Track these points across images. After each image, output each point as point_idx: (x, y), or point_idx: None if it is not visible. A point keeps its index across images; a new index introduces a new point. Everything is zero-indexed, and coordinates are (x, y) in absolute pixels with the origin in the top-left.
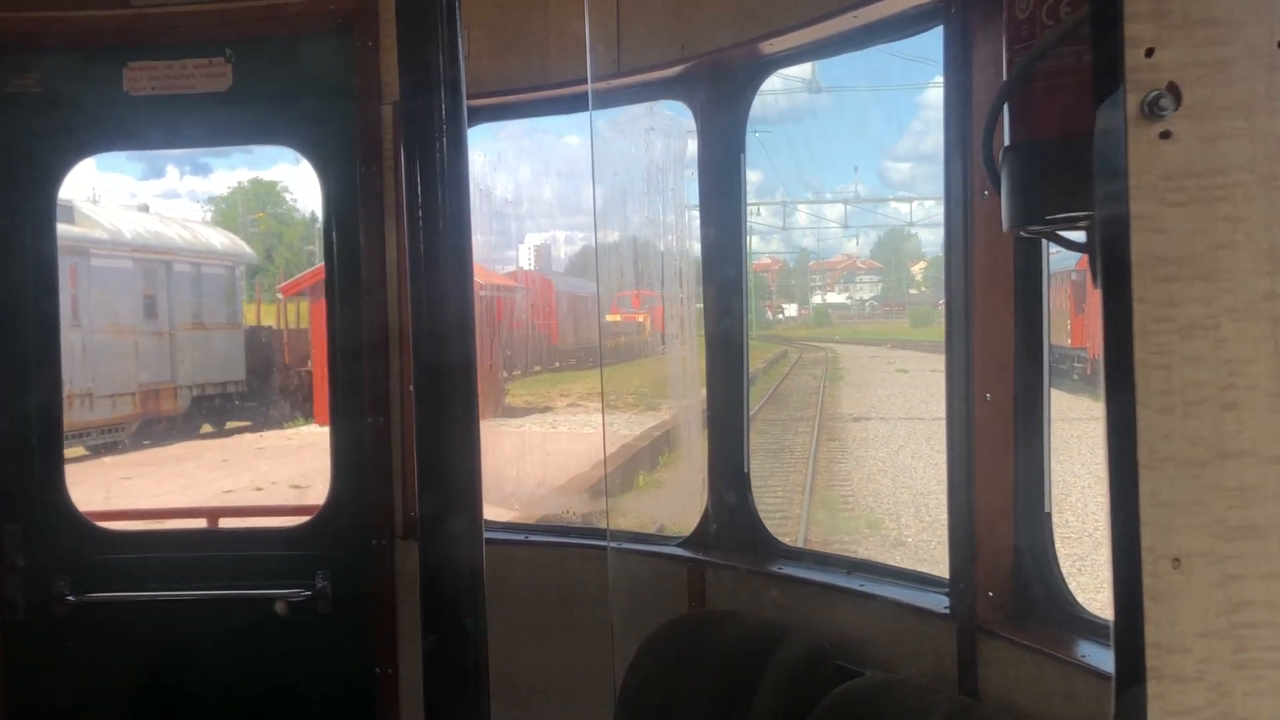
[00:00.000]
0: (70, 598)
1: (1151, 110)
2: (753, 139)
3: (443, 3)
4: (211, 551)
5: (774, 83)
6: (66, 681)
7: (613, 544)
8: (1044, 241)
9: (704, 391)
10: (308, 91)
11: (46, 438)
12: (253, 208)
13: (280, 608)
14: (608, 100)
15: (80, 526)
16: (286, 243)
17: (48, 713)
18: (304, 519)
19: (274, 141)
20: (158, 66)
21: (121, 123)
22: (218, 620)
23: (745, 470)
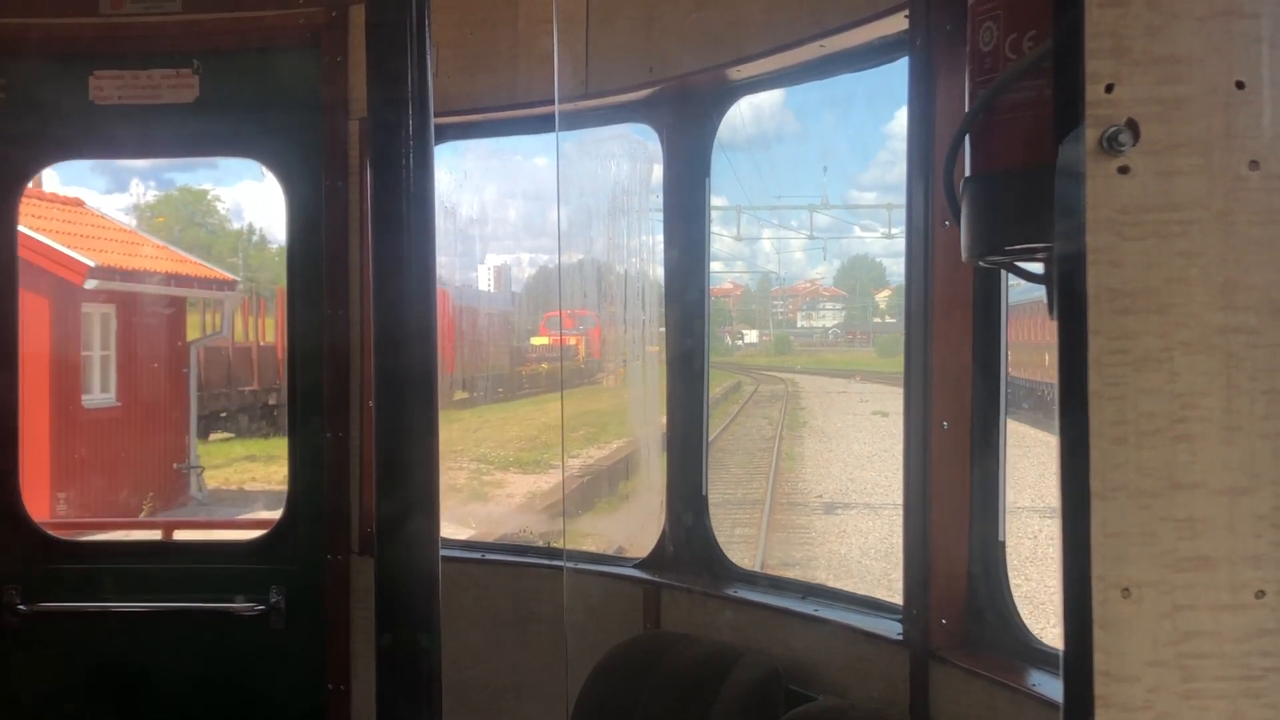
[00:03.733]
0: (21, 606)
1: (1110, 145)
2: (718, 163)
3: (413, 19)
4: (166, 563)
5: (742, 108)
6: (16, 692)
7: (569, 564)
8: (1003, 272)
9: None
10: (275, 105)
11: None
12: (183, 218)
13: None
14: (575, 122)
15: (33, 534)
16: (216, 255)
17: None
18: (260, 533)
19: (240, 154)
20: (125, 76)
21: (86, 131)
22: (171, 633)
23: (704, 493)
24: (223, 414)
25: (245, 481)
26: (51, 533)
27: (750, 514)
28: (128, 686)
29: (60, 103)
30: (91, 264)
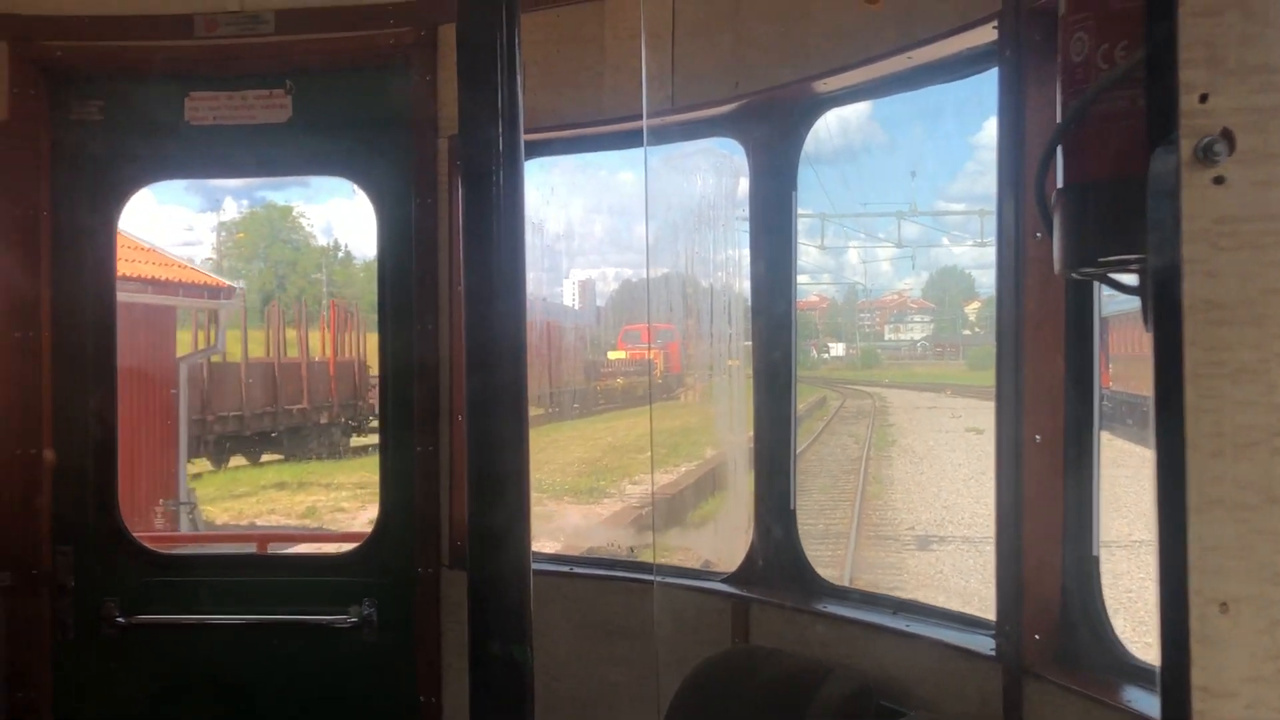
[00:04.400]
0: (120, 619)
1: (1205, 155)
2: (804, 175)
3: (503, 37)
4: (260, 576)
5: (828, 120)
6: (114, 702)
7: (658, 578)
8: (1095, 284)
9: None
10: (366, 123)
11: (101, 461)
12: (268, 235)
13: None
14: (661, 136)
15: (131, 548)
16: (300, 271)
17: None
18: (351, 545)
19: (331, 172)
20: (219, 97)
21: (182, 152)
22: (265, 644)
23: (791, 507)
24: (273, 434)
25: (261, 514)
26: (149, 546)
27: (834, 550)
28: (223, 697)
29: (157, 124)
30: None
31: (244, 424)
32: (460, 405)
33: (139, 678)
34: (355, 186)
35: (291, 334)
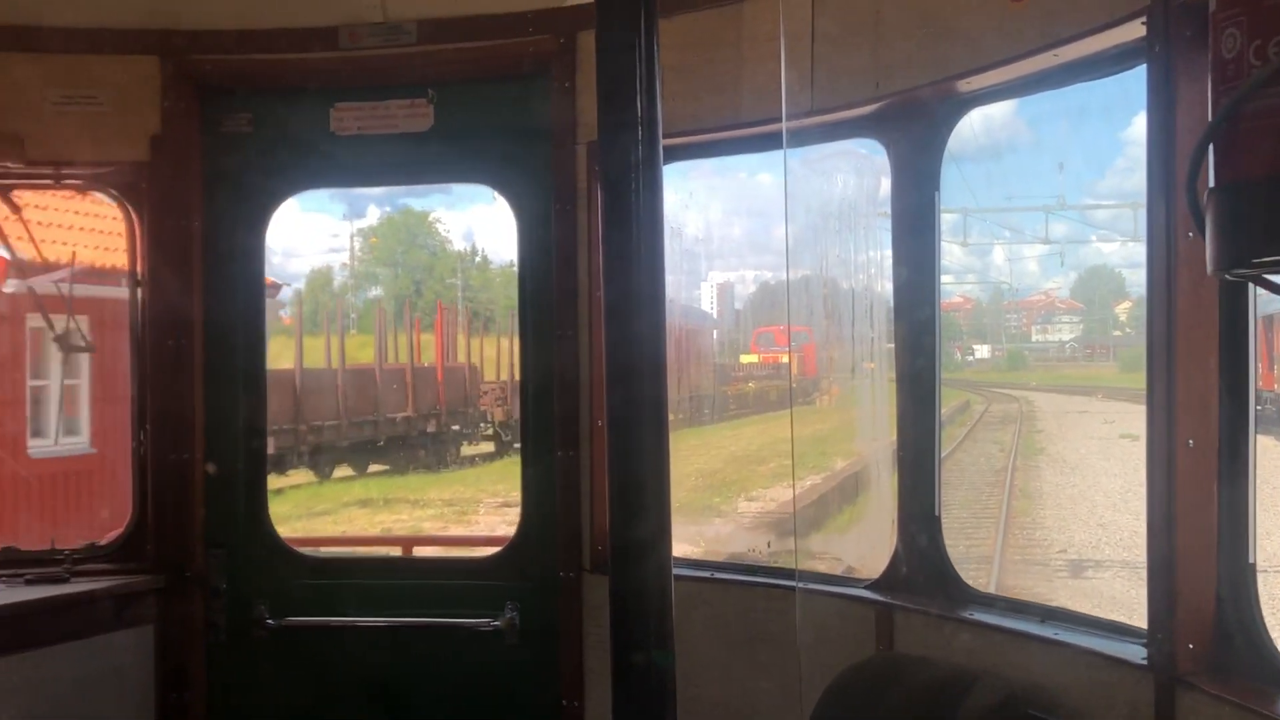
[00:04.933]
0: (270, 621)
1: None
2: (947, 173)
3: (641, 44)
4: (405, 579)
5: (972, 118)
6: (264, 702)
7: (801, 584)
8: (1250, 284)
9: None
10: (506, 131)
11: (251, 466)
12: (405, 240)
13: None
14: (801, 139)
15: (281, 552)
16: (437, 275)
17: None
18: (495, 550)
19: (471, 180)
20: (363, 107)
21: (327, 162)
22: (409, 647)
23: (936, 513)
24: (379, 442)
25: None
26: (298, 549)
27: (976, 575)
28: (370, 698)
29: (304, 135)
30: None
31: (341, 433)
32: (601, 411)
33: (288, 678)
34: (495, 193)
35: (408, 339)
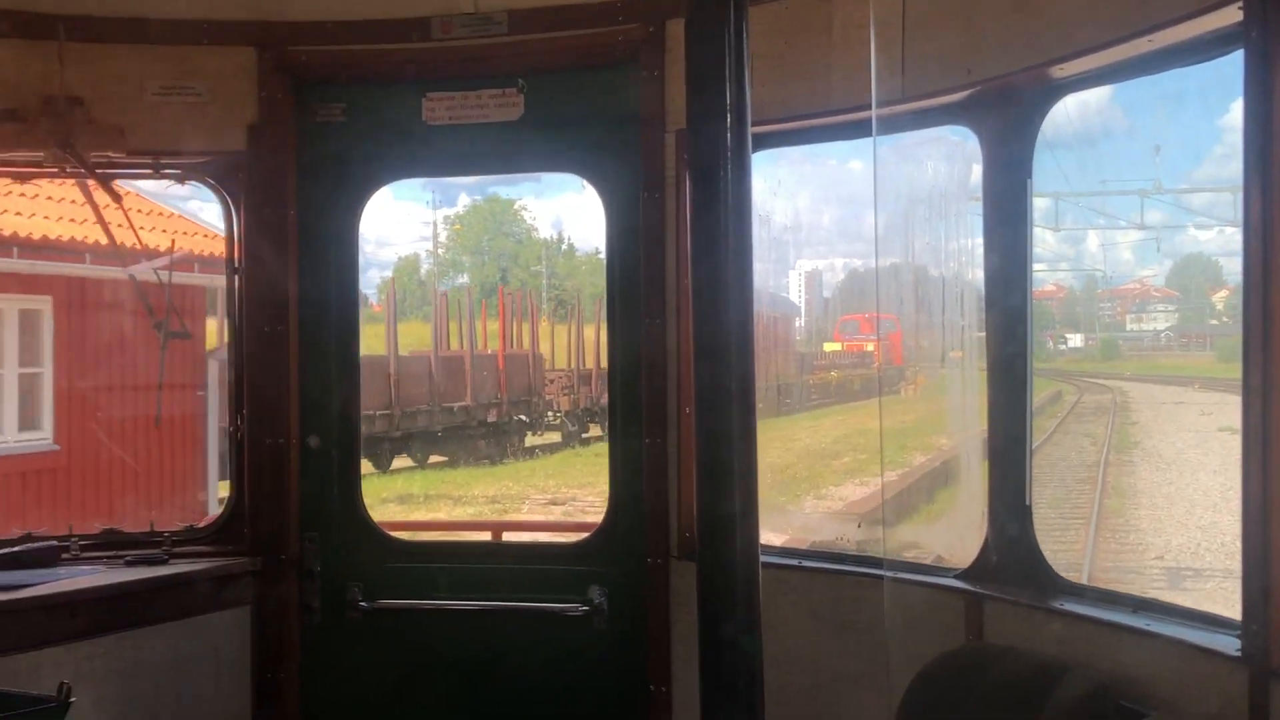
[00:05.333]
0: (363, 603)
1: None
2: (1040, 159)
3: (731, 32)
4: (495, 564)
5: (1067, 104)
6: (357, 683)
7: (889, 573)
8: None
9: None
10: (595, 119)
11: (345, 450)
12: (491, 228)
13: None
14: (891, 126)
15: (374, 536)
16: (521, 262)
17: (339, 713)
18: (583, 535)
19: (561, 168)
20: (454, 97)
21: (419, 151)
22: (498, 630)
23: (1027, 502)
24: (438, 433)
25: None
26: (390, 533)
27: (1066, 555)
28: (460, 680)
29: (396, 124)
30: None
31: (393, 423)
32: (688, 398)
33: (380, 659)
34: (584, 181)
35: (477, 326)
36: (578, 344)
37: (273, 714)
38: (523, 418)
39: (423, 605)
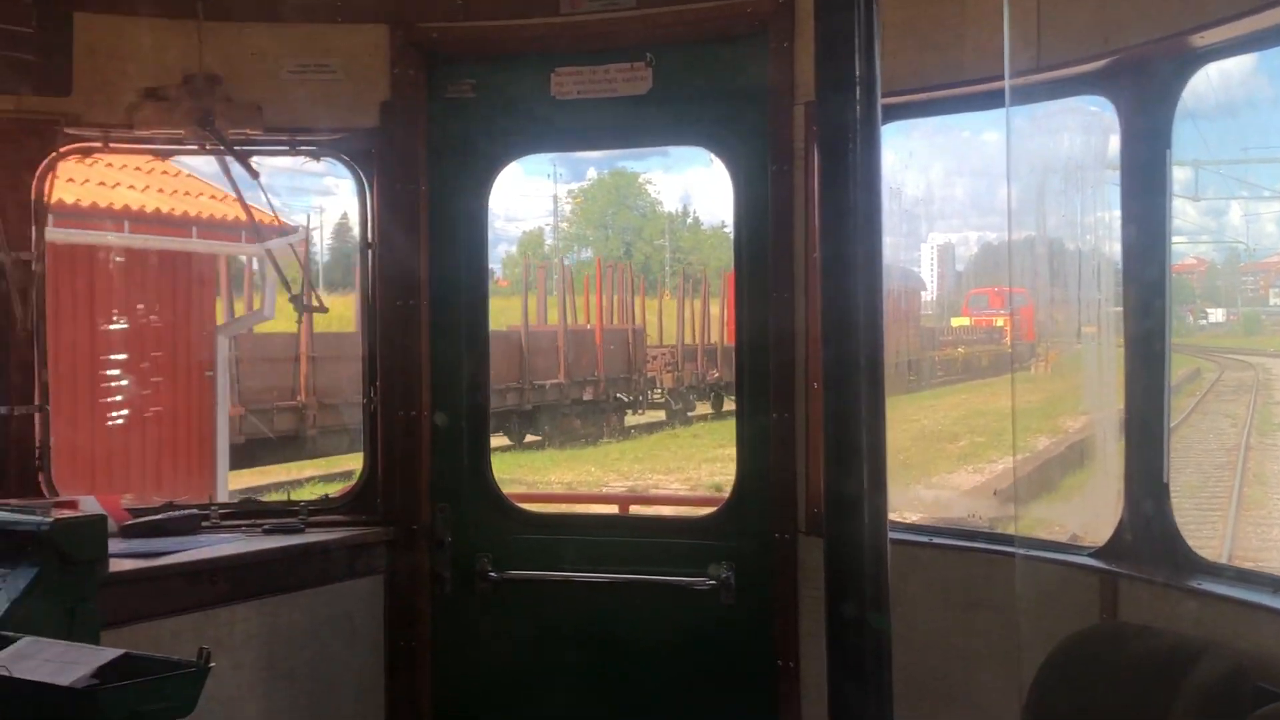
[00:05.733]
0: (492, 573)
1: None
2: (1180, 130)
3: (860, 2)
4: (622, 536)
5: (1209, 73)
6: (486, 651)
7: (1021, 550)
8: None
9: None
10: (721, 93)
11: (475, 422)
12: (614, 201)
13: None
14: (1025, 96)
15: (503, 507)
16: (646, 237)
17: (469, 680)
18: (710, 509)
19: (688, 142)
20: (583, 72)
21: (548, 126)
22: (625, 602)
23: (1164, 480)
24: (531, 408)
25: None
26: (519, 505)
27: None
28: (587, 650)
29: (525, 100)
30: None
31: (523, 397)
32: (816, 373)
33: (509, 628)
34: (712, 155)
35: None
36: (701, 319)
37: (405, 680)
38: (621, 396)
39: (551, 576)
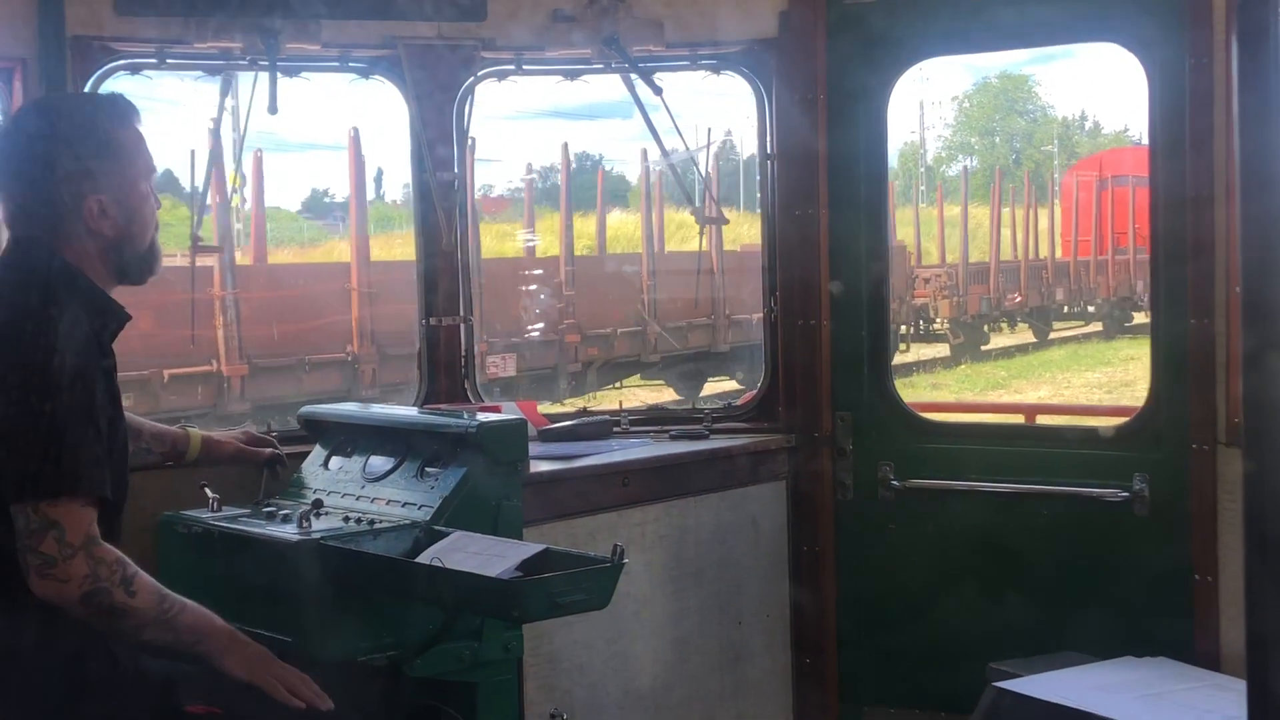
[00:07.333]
0: (895, 482)
1: None
2: None
3: None
4: (1027, 446)
5: None
6: (888, 558)
7: None
8: None
9: None
10: None
11: (875, 335)
12: (1000, 106)
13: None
14: None
15: (904, 416)
16: (1035, 143)
17: (871, 585)
18: (1122, 420)
19: (1100, 38)
20: None
21: (950, 26)
22: (1030, 514)
23: None
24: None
25: None
26: (921, 414)
27: None
28: (993, 561)
29: (925, 2)
30: None
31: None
32: (1237, 277)
33: (911, 537)
34: (1125, 50)
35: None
36: (1025, 230)
37: (811, 584)
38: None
39: (955, 486)
